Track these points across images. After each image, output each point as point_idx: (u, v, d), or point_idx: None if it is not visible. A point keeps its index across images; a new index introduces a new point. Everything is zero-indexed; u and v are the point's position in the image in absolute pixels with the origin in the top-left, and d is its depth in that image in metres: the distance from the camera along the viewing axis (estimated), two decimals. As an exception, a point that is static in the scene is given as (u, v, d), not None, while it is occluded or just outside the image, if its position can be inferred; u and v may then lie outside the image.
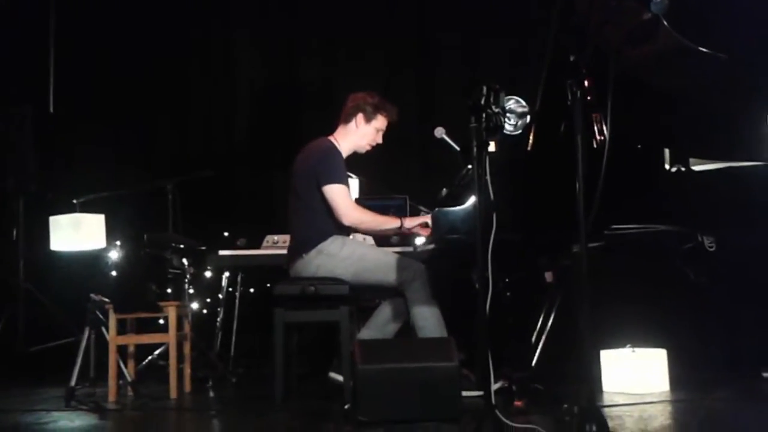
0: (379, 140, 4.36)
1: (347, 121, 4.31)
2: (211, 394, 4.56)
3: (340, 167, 4.16)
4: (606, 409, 3.41)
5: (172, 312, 4.37)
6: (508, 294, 4.58)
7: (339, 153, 4.22)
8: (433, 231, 3.82)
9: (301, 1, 6.23)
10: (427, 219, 4.13)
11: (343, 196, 4.11)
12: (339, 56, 6.18)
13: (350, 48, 6.16)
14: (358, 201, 4.46)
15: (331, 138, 4.30)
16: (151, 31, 6.10)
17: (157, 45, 6.11)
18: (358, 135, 4.30)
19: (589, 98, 3.39)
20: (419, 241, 4.30)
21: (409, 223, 4.21)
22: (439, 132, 4.20)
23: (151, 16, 6.10)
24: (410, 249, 4.38)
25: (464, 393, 3.44)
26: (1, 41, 5.83)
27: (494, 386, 3.12)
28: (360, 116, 4.28)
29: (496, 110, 3.08)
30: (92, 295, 4.27)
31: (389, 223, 4.21)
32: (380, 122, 4.31)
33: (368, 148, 4.36)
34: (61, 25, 6.13)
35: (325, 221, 4.11)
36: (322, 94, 6.14)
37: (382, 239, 4.51)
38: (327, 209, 4.11)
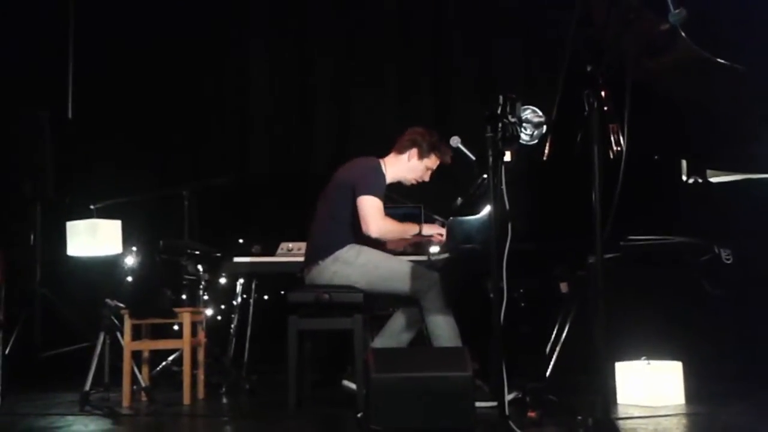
0: (426, 178, 4.37)
1: (401, 151, 4.31)
2: (225, 400, 4.57)
3: (380, 184, 4.18)
4: (620, 422, 3.39)
5: (186, 318, 4.38)
6: (522, 304, 4.56)
7: (383, 174, 4.23)
8: (447, 240, 3.81)
9: (314, 9, 6.24)
10: (442, 230, 4.14)
11: (376, 208, 4.11)
12: (353, 64, 6.18)
13: (364, 56, 6.17)
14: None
15: (380, 160, 4.31)
16: (170, 37, 6.13)
17: (175, 51, 6.14)
18: (407, 168, 4.31)
19: (606, 109, 3.39)
20: (434, 250, 4.30)
21: (427, 230, 4.30)
22: (455, 141, 4.22)
23: (169, 23, 6.13)
24: (425, 258, 4.38)
25: (478, 404, 3.43)
26: (21, 47, 5.88)
27: (508, 397, 3.11)
28: (414, 150, 4.28)
29: (513, 120, 3.08)
30: (108, 301, 4.29)
31: (410, 230, 4.28)
32: (432, 161, 4.31)
33: (414, 182, 4.38)
34: (80, 30, 6.16)
35: (345, 231, 4.13)
36: (337, 101, 6.15)
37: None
38: (351, 220, 4.12)
